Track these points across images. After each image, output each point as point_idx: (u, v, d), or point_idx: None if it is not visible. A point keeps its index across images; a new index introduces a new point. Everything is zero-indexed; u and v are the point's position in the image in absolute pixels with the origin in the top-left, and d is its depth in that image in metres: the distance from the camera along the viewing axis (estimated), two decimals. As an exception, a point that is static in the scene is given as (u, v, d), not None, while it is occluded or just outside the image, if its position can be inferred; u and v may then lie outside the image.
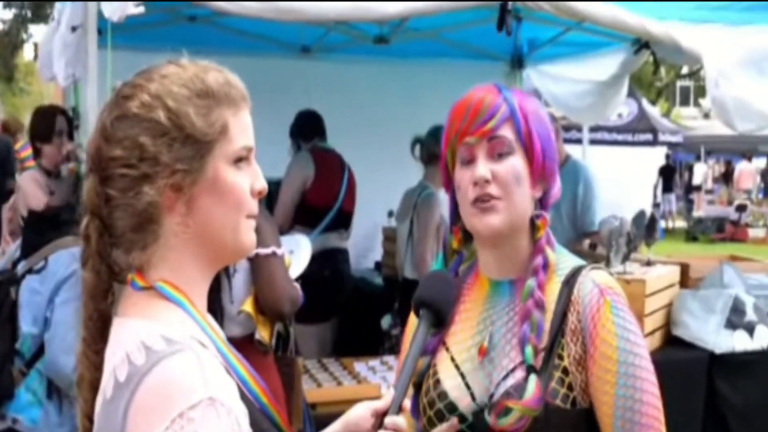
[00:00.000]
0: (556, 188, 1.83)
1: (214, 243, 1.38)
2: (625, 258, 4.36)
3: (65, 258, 3.27)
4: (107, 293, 1.36)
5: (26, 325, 3.28)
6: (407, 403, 1.64)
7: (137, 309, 1.33)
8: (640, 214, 4.60)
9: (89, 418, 1.34)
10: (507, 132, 1.74)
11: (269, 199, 6.02)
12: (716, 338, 4.27)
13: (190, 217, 1.34)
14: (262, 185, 1.42)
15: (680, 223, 22.60)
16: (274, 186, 5.85)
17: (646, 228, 4.53)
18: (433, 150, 4.98)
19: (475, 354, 1.78)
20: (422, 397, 1.83)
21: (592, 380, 1.68)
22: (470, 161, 1.75)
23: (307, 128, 5.75)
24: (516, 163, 1.74)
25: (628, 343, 1.66)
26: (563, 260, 1.81)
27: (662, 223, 21.19)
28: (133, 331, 1.29)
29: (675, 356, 4.25)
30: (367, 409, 1.63)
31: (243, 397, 1.31)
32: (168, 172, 1.31)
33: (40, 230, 3.41)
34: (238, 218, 1.39)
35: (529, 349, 1.69)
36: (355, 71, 6.48)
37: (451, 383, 1.79)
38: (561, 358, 1.69)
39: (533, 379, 1.66)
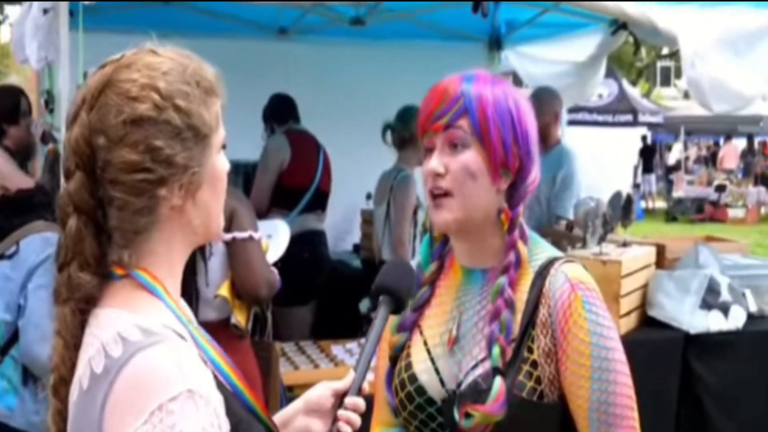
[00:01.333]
0: (531, 178, 1.79)
1: (204, 230, 1.40)
2: (601, 239, 4.36)
3: (37, 243, 3.24)
4: (98, 292, 1.33)
5: None
6: (366, 385, 1.64)
7: (114, 299, 1.32)
8: (617, 195, 4.61)
9: (65, 418, 1.32)
10: (464, 124, 1.72)
11: (246, 182, 6.01)
12: (691, 319, 4.29)
13: (194, 212, 1.36)
14: (228, 167, 1.43)
15: (660, 204, 22.73)
16: (251, 169, 5.84)
17: (622, 209, 4.54)
18: (403, 134, 5.01)
19: (446, 340, 1.80)
20: (395, 377, 1.85)
21: (566, 375, 1.69)
22: (431, 150, 1.77)
23: (282, 111, 5.74)
24: (470, 157, 1.72)
25: (600, 338, 1.67)
26: (538, 250, 1.80)
27: (642, 204, 21.35)
28: (109, 321, 1.28)
29: (650, 337, 4.27)
30: (327, 389, 1.63)
31: (219, 385, 1.31)
32: (182, 172, 1.31)
33: (11, 214, 3.37)
34: (221, 204, 1.43)
35: (496, 350, 1.69)
36: (333, 53, 6.47)
37: (421, 367, 1.81)
38: (530, 351, 1.70)
39: (498, 381, 1.66)
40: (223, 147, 1.40)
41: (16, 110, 3.95)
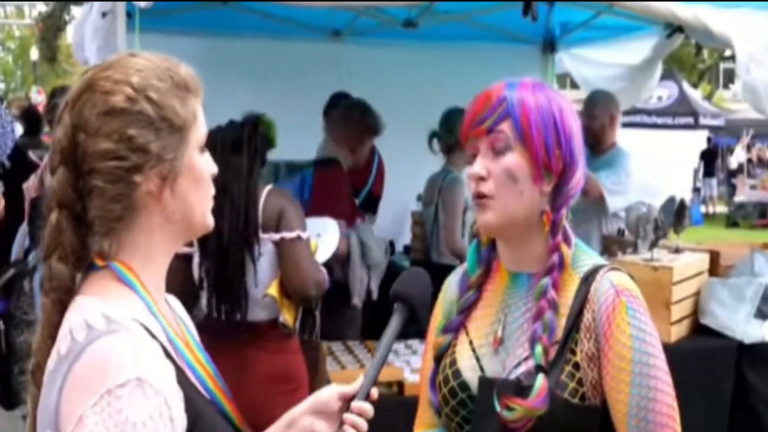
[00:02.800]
0: (575, 181, 1.81)
1: (186, 226, 1.46)
2: (653, 245, 4.31)
3: None
4: (74, 282, 1.40)
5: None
6: (374, 391, 1.67)
7: (91, 288, 1.39)
8: (670, 200, 4.56)
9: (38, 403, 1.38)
10: (506, 128, 1.75)
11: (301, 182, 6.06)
12: (745, 327, 4.22)
13: (172, 203, 1.41)
14: (215, 169, 1.50)
15: (722, 208, 22.32)
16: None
17: (675, 214, 4.48)
18: (448, 140, 5.04)
19: (491, 341, 1.84)
20: (439, 374, 1.89)
21: (607, 379, 1.70)
22: (474, 156, 1.80)
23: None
24: (512, 160, 1.75)
25: (643, 343, 1.69)
26: (582, 257, 1.83)
27: (702, 209, 21.00)
28: (80, 307, 1.35)
29: (703, 345, 4.20)
30: (335, 392, 1.66)
31: (184, 381, 1.36)
32: (157, 160, 1.38)
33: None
34: (208, 201, 1.48)
35: (538, 348, 1.72)
36: (385, 55, 6.47)
37: (466, 363, 1.85)
38: (573, 353, 1.72)
39: (540, 378, 1.69)
40: (203, 146, 1.46)
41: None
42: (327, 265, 4.47)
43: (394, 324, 1.73)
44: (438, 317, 1.98)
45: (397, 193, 5.96)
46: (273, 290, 3.37)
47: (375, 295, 4.71)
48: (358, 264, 4.69)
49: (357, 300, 4.70)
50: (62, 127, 1.38)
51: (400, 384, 3.68)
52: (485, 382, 1.77)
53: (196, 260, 3.41)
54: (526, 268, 1.84)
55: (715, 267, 4.59)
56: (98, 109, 1.36)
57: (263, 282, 3.39)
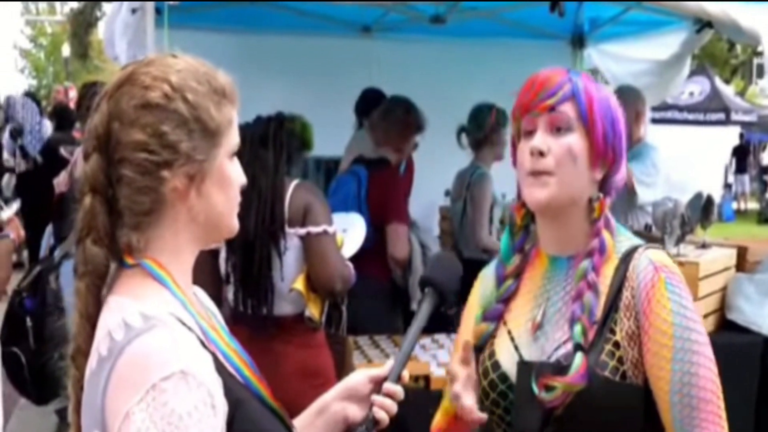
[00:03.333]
0: (620, 175, 1.84)
1: (211, 229, 1.49)
2: (680, 240, 4.31)
3: None
4: (108, 268, 1.44)
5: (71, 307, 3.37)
6: (405, 374, 1.69)
7: (124, 287, 1.42)
8: (697, 196, 4.55)
9: (82, 387, 1.41)
10: (568, 109, 1.77)
11: (328, 178, 6.09)
12: (772, 323, 4.21)
13: (198, 204, 1.44)
14: (244, 180, 1.53)
15: (754, 205, 22.11)
16: (334, 165, 5.92)
17: (702, 210, 4.47)
18: (477, 136, 5.05)
19: (529, 327, 1.84)
20: (479, 365, 1.88)
21: (648, 356, 1.69)
22: (531, 132, 1.80)
23: (368, 106, 5.80)
24: (574, 140, 1.76)
25: (684, 318, 1.67)
26: (622, 239, 1.83)
27: (734, 205, 20.81)
28: (117, 308, 1.38)
29: (729, 341, 4.18)
30: (365, 376, 1.69)
31: (221, 369, 1.39)
32: (186, 160, 1.41)
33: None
34: (234, 208, 1.51)
35: (578, 327, 1.72)
36: (414, 51, 6.48)
37: (505, 354, 1.84)
38: (613, 332, 1.72)
39: (579, 356, 1.68)
40: (234, 154, 1.49)
41: None
42: (388, 268, 4.51)
43: (425, 308, 1.75)
44: (473, 309, 1.97)
45: (425, 188, 5.97)
46: (299, 284, 3.40)
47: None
48: (420, 267, 4.67)
49: (416, 306, 4.67)
50: (99, 115, 1.42)
51: (427, 378, 3.70)
52: (523, 366, 1.76)
53: (222, 255, 3.45)
54: (566, 251, 1.84)
55: (742, 263, 4.57)
56: (135, 101, 1.40)
57: (289, 276, 3.42)
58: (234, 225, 1.52)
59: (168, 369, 1.27)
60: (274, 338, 3.38)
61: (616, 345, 1.71)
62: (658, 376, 1.68)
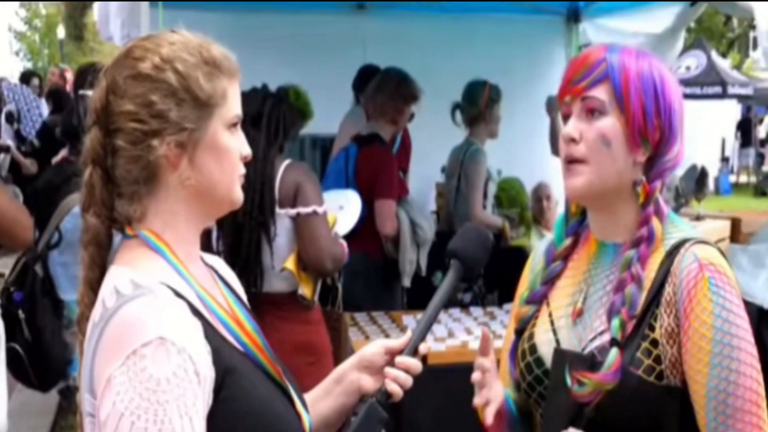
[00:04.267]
0: (672, 153, 1.75)
1: (209, 199, 1.51)
2: (674, 212, 4.34)
3: (74, 224, 3.36)
4: (110, 239, 1.49)
5: (67, 294, 3.39)
6: (423, 347, 1.68)
7: (123, 257, 1.47)
8: (691, 169, 4.58)
9: None
10: (601, 92, 1.71)
11: (323, 156, 6.11)
12: (765, 293, 4.23)
13: (190, 173, 1.47)
14: (248, 152, 1.55)
15: (751, 178, 22.11)
16: (329, 142, 5.94)
17: (696, 182, 4.50)
18: (471, 112, 5.07)
19: (570, 312, 1.80)
20: (518, 347, 1.86)
21: (686, 358, 1.64)
22: (568, 117, 1.76)
23: (364, 83, 5.80)
24: (607, 124, 1.71)
25: (725, 322, 1.61)
26: (673, 230, 1.75)
27: (732, 178, 20.82)
28: (112, 276, 1.43)
29: (724, 311, 4.23)
30: (381, 347, 1.70)
31: (213, 336, 1.42)
32: (175, 129, 1.45)
33: (40, 203, 3.49)
34: (232, 178, 1.52)
35: (616, 322, 1.67)
36: (409, 27, 6.46)
37: (543, 338, 1.82)
38: (652, 329, 1.67)
39: (614, 352, 1.65)
40: (233, 125, 1.51)
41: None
42: (379, 243, 4.51)
43: (448, 280, 1.73)
44: (523, 288, 1.94)
45: (421, 165, 6.00)
46: (290, 264, 3.43)
47: (424, 271, 4.70)
48: (409, 244, 4.68)
49: (407, 280, 4.69)
50: (98, 90, 1.47)
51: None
52: (559, 354, 1.73)
53: (214, 234, 3.48)
54: (614, 238, 1.78)
55: (736, 234, 4.61)
56: (127, 72, 1.45)
57: (281, 255, 3.45)
58: (236, 196, 1.54)
59: (148, 335, 1.31)
60: (268, 315, 3.39)
61: (654, 343, 1.66)
62: (695, 380, 1.63)
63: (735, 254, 4.39)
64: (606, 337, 1.69)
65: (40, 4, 39.66)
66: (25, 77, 12.28)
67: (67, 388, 3.42)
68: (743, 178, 22.00)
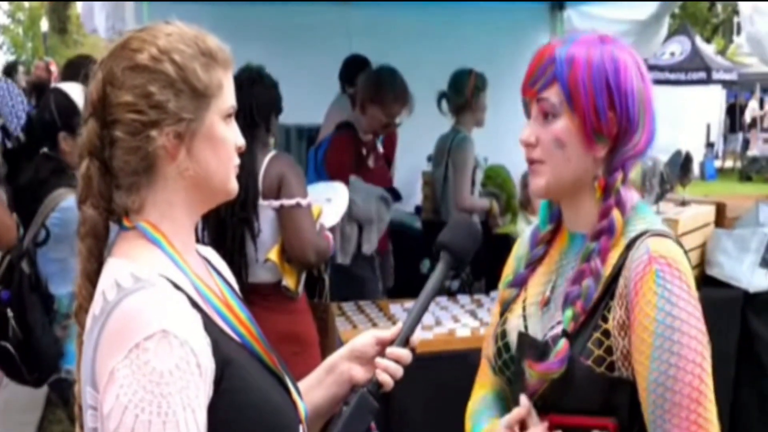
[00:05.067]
0: (633, 143, 1.71)
1: (205, 189, 1.52)
2: (659, 198, 4.37)
3: (62, 219, 3.37)
4: (107, 230, 1.49)
5: (57, 288, 3.39)
6: (414, 338, 1.70)
7: (121, 249, 1.47)
8: (676, 154, 4.60)
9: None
10: (552, 94, 1.70)
11: (308, 145, 6.11)
12: (751, 277, 4.28)
13: (188, 164, 1.48)
14: (242, 142, 1.57)
15: (735, 163, 22.22)
16: (315, 132, 5.94)
17: (681, 168, 4.52)
18: (457, 101, 5.07)
19: (539, 301, 1.82)
20: (495, 330, 1.89)
21: (632, 350, 1.63)
22: (529, 117, 1.78)
23: (350, 73, 5.83)
24: (560, 126, 1.70)
25: (668, 316, 1.58)
26: (638, 222, 1.73)
27: (718, 163, 20.91)
28: (112, 269, 1.43)
29: (709, 296, 4.21)
30: (372, 337, 1.72)
31: (212, 328, 1.43)
32: (174, 119, 1.45)
33: (23, 199, 3.48)
34: (228, 168, 1.53)
35: (569, 313, 1.68)
36: (394, 17, 6.45)
37: (513, 324, 1.84)
38: (605, 320, 1.67)
39: (562, 342, 1.66)
40: (228, 116, 1.52)
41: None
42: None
43: (438, 272, 1.74)
44: (507, 272, 1.96)
45: (407, 154, 6.01)
46: (273, 255, 3.43)
47: (370, 250, 4.62)
48: (350, 235, 4.59)
49: (341, 258, 4.55)
50: (95, 82, 1.47)
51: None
52: (521, 339, 1.76)
53: (200, 226, 3.48)
54: (583, 229, 1.78)
55: (721, 219, 4.64)
56: (125, 64, 1.45)
57: (265, 246, 3.45)
58: (231, 186, 1.55)
59: (150, 328, 1.31)
60: (252, 305, 3.37)
61: (606, 334, 1.66)
62: (638, 372, 1.62)
63: (720, 239, 4.43)
64: (561, 328, 1.70)
65: (23, -3, 39.40)
66: (8, 70, 12.16)
67: (58, 380, 3.41)
68: (729, 163, 22.08)
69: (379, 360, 1.67)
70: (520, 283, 1.88)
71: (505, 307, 1.89)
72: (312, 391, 1.73)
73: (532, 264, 1.88)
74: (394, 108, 4.79)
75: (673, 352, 1.57)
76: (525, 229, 2.01)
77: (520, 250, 1.97)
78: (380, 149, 5.12)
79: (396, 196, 4.91)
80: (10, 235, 3.27)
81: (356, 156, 4.85)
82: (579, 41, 1.71)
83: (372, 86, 4.80)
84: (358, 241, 4.58)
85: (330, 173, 4.65)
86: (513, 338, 1.81)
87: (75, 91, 3.46)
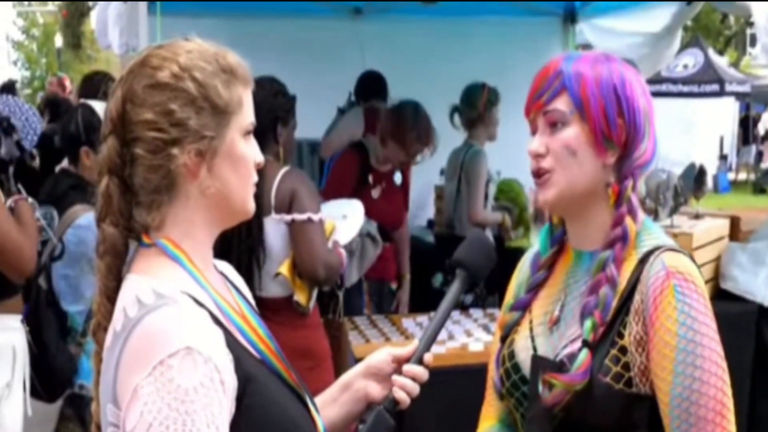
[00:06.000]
0: (640, 151, 1.73)
1: (225, 207, 1.51)
2: (673, 211, 4.35)
3: (77, 236, 3.38)
4: (126, 248, 1.48)
5: (69, 305, 3.40)
6: (428, 356, 1.68)
7: (141, 266, 1.46)
8: (690, 167, 4.59)
9: (102, 361, 1.45)
10: (561, 103, 1.71)
11: (320, 160, 6.13)
12: (765, 291, 4.25)
13: (210, 182, 1.47)
14: (261, 159, 1.55)
15: (750, 176, 22.12)
16: (327, 147, 5.94)
17: (695, 181, 4.51)
18: (470, 115, 5.08)
19: (547, 321, 1.80)
20: (501, 353, 1.87)
21: (652, 366, 1.63)
22: (534, 133, 1.78)
23: (365, 89, 5.86)
24: (570, 133, 1.70)
25: (689, 330, 1.58)
26: (648, 236, 1.74)
27: (731, 176, 20.83)
28: (132, 285, 1.42)
29: (724, 310, 4.18)
30: (388, 355, 1.71)
31: (234, 344, 1.42)
32: (195, 137, 1.44)
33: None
34: (248, 186, 1.53)
35: (588, 323, 1.67)
36: (406, 31, 6.48)
37: (521, 344, 1.82)
38: (621, 336, 1.66)
39: (585, 352, 1.65)
40: (248, 133, 1.51)
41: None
42: None
43: (454, 289, 1.73)
44: (509, 296, 1.94)
45: (420, 167, 5.99)
46: (284, 269, 3.41)
47: (349, 283, 4.30)
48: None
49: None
50: (114, 99, 1.46)
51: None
52: (535, 360, 1.74)
53: None
54: (590, 246, 1.76)
55: (735, 232, 4.62)
56: (145, 81, 1.44)
57: (276, 260, 3.44)
58: (250, 204, 1.54)
59: (174, 345, 1.30)
60: (264, 319, 3.37)
61: (623, 350, 1.65)
62: (660, 388, 1.62)
63: (735, 253, 4.40)
64: (576, 345, 1.69)
65: (38, 13, 39.70)
66: (6, 88, 11.88)
67: (72, 396, 3.42)
68: (742, 176, 21.98)
69: (395, 377, 1.66)
70: (522, 306, 1.87)
71: (507, 331, 1.87)
72: (327, 408, 1.71)
73: (534, 288, 1.87)
74: (415, 147, 4.76)
75: (696, 366, 1.57)
76: (525, 256, 1.99)
77: (520, 276, 1.95)
78: (398, 181, 5.07)
79: (386, 237, 4.67)
80: (26, 267, 3.26)
81: (358, 180, 4.82)
82: (583, 58, 1.74)
83: (394, 123, 4.77)
84: None
85: (327, 188, 4.63)
86: (521, 358, 1.80)
87: (102, 108, 3.50)
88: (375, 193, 4.86)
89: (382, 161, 4.87)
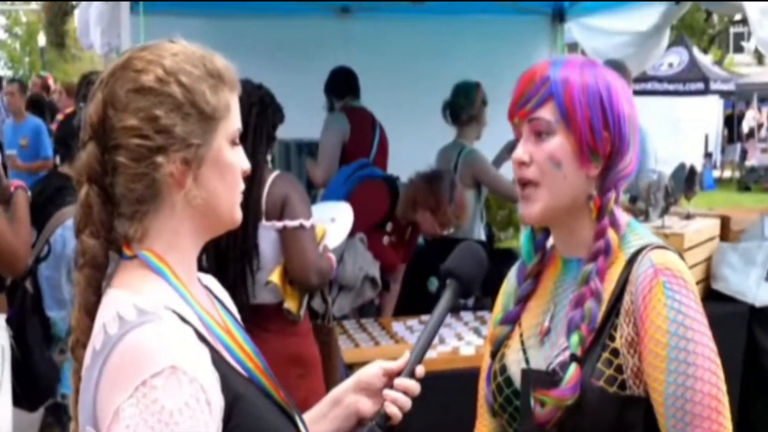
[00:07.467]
0: (624, 164, 1.70)
1: (212, 217, 1.44)
2: (664, 212, 4.33)
3: (63, 237, 3.32)
4: (107, 260, 1.40)
5: (51, 311, 3.34)
6: (420, 369, 1.64)
7: (122, 279, 1.38)
8: (680, 167, 4.57)
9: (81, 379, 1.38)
10: (547, 112, 1.67)
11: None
12: (757, 291, 4.23)
13: (196, 192, 1.40)
14: (247, 166, 1.48)
15: (734, 173, 22.25)
16: (315, 147, 5.90)
17: (685, 181, 4.49)
18: (470, 112, 5.05)
19: (538, 332, 1.77)
20: (492, 367, 1.83)
21: (644, 366, 1.60)
22: (519, 140, 1.74)
23: (339, 86, 5.82)
24: (555, 144, 1.67)
25: (681, 327, 1.56)
26: (634, 237, 1.72)
27: (716, 173, 20.93)
28: (113, 301, 1.35)
29: (715, 310, 4.17)
30: (379, 369, 1.65)
31: (220, 362, 1.35)
32: (181, 145, 1.37)
33: (31, 216, 3.44)
34: (235, 195, 1.46)
35: (575, 338, 1.64)
36: (394, 30, 6.44)
37: (513, 358, 1.79)
38: (612, 338, 1.63)
39: (572, 367, 1.62)
40: (234, 140, 1.44)
41: None
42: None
43: (445, 300, 1.69)
44: (497, 310, 1.91)
45: (406, 166, 5.97)
46: (275, 277, 3.35)
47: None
48: None
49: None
50: (94, 103, 1.38)
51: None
52: (527, 374, 1.71)
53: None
54: (577, 254, 1.74)
55: (726, 232, 4.60)
56: (128, 86, 1.36)
57: (267, 268, 3.37)
58: (237, 214, 1.47)
59: (158, 365, 1.24)
60: (254, 327, 3.32)
61: (615, 353, 1.62)
62: (653, 387, 1.59)
63: (726, 253, 4.39)
64: (567, 354, 1.66)
65: (21, 11, 39.47)
66: None
67: (55, 405, 3.36)
68: (727, 173, 22.09)
69: (387, 392, 1.61)
70: (512, 319, 1.83)
71: (498, 346, 1.84)
72: (316, 424, 1.64)
73: (522, 299, 1.84)
74: (450, 221, 4.72)
75: (689, 363, 1.56)
76: (511, 270, 1.94)
77: (508, 288, 1.91)
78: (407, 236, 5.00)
79: (386, 285, 4.69)
80: (18, 265, 3.20)
81: (382, 219, 4.74)
82: (569, 63, 1.71)
83: (430, 194, 4.66)
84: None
85: (357, 214, 4.47)
86: (513, 372, 1.76)
87: None
88: (386, 239, 4.79)
89: (405, 219, 4.79)
